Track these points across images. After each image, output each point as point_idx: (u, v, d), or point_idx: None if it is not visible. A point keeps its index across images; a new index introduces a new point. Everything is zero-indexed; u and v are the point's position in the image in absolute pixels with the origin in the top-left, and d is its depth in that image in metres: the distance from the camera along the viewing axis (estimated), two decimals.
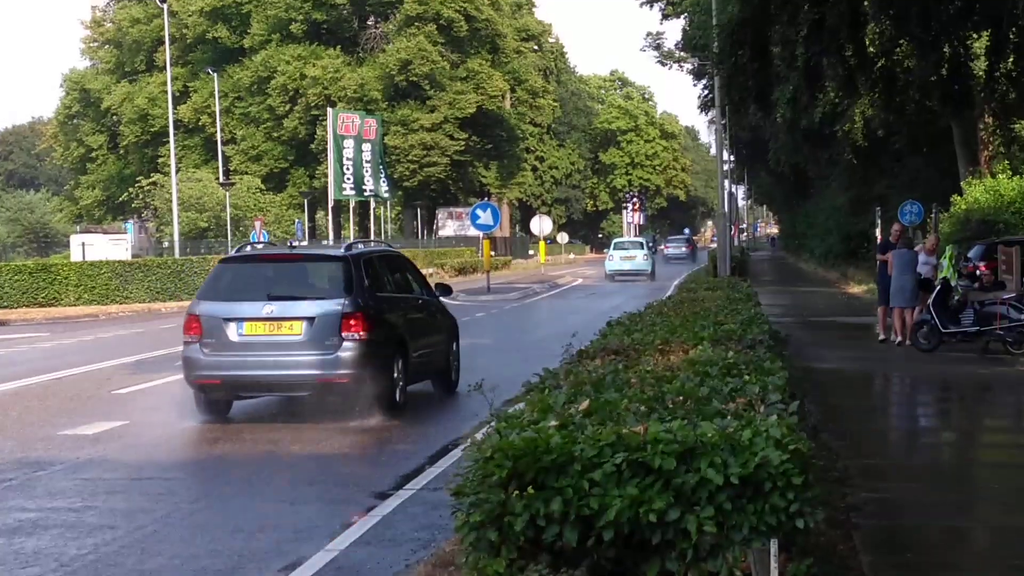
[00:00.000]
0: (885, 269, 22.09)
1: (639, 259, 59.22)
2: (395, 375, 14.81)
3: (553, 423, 6.00)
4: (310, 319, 14.21)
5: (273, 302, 14.36)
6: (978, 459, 12.11)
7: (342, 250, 15.54)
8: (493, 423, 6.26)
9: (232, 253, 16.90)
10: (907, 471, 10.93)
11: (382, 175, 72.65)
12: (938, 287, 20.72)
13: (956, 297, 20.60)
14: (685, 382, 7.07)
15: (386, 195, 75.28)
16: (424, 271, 66.13)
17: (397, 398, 14.83)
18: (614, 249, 61.69)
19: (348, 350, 14.08)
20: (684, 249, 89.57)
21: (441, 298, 17.72)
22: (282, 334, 14.25)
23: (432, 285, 17.81)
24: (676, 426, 5.71)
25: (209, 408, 14.87)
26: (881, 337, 22.42)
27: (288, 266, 15.37)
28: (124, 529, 9.43)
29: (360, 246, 16.76)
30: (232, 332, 14.30)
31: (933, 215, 32.38)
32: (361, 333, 14.12)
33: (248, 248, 17.00)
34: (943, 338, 20.25)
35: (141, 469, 11.90)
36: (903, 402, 16.67)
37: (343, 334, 14.08)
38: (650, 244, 67.59)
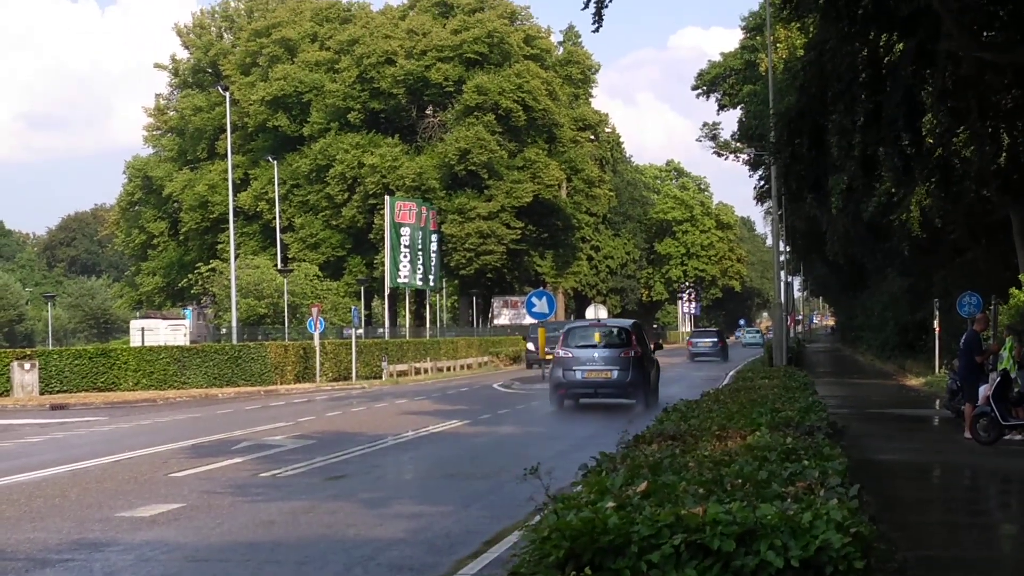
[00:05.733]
0: (973, 364, 21.30)
1: (757, 337, 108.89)
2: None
3: (611, 504, 5.99)
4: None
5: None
6: None
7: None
8: (550, 505, 6.25)
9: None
10: (967, 564, 10.76)
11: (433, 264, 73.17)
12: (998, 379, 20.41)
13: (1016, 389, 20.30)
14: (744, 466, 7.05)
15: (433, 285, 75.71)
16: (479, 359, 67.32)
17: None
18: (743, 331, 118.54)
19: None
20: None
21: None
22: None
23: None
24: (735, 508, 5.69)
25: None
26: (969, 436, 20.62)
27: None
28: None
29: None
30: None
31: (992, 307, 32.10)
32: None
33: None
34: (1003, 431, 19.97)
35: (197, 551, 11.92)
36: (962, 494, 16.41)
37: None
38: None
